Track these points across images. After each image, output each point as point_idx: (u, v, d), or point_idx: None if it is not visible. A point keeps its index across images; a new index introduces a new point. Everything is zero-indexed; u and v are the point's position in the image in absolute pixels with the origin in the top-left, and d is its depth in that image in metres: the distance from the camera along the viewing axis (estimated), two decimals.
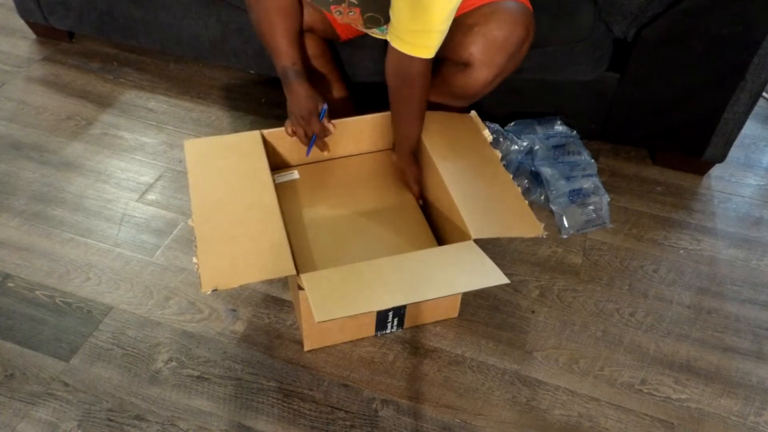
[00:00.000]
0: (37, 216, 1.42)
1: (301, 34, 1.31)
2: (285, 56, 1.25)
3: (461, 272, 1.06)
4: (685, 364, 1.21)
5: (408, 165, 1.31)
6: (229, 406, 1.11)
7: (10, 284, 1.28)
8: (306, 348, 1.19)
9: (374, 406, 1.12)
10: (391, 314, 1.18)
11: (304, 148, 1.33)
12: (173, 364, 1.17)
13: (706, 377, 1.19)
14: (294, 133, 1.31)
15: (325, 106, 1.26)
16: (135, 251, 1.36)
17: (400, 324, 1.21)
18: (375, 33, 1.35)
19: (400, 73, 1.16)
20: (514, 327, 1.26)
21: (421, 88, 1.18)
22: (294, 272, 1.03)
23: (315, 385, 1.15)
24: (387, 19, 1.19)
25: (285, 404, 1.12)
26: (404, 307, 1.17)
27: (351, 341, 1.21)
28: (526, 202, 1.18)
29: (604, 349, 1.22)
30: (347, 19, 1.27)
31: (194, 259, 1.05)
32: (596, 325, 1.26)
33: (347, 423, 1.10)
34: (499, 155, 1.28)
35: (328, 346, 1.20)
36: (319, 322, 0.95)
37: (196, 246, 1.07)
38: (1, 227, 1.39)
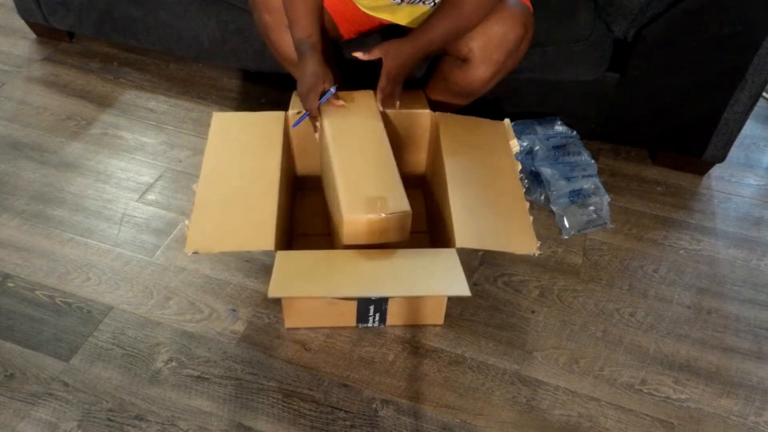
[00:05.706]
0: (37, 216, 1.42)
1: (320, 11, 1.26)
2: (301, 29, 1.22)
3: (428, 277, 1.07)
4: (685, 364, 1.21)
5: (404, 59, 1.23)
6: (229, 406, 1.11)
7: (10, 284, 1.28)
8: (286, 326, 1.22)
9: (374, 406, 1.12)
10: (372, 308, 1.19)
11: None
12: (173, 364, 1.17)
13: (706, 377, 1.19)
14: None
15: (332, 89, 1.21)
16: (135, 251, 1.36)
17: (382, 320, 1.22)
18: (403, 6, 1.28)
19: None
20: (514, 327, 1.25)
21: (486, 9, 1.16)
22: (272, 247, 1.06)
23: (315, 385, 1.14)
24: None
25: (285, 404, 1.12)
26: (386, 303, 1.18)
27: (351, 341, 1.21)
28: (531, 218, 1.17)
29: (604, 349, 1.22)
30: None
31: (186, 222, 1.09)
32: (596, 325, 1.26)
33: (347, 423, 1.10)
34: (519, 167, 1.26)
35: (327, 345, 1.20)
36: (270, 297, 0.98)
37: (192, 209, 1.11)
38: (1, 227, 1.39)
